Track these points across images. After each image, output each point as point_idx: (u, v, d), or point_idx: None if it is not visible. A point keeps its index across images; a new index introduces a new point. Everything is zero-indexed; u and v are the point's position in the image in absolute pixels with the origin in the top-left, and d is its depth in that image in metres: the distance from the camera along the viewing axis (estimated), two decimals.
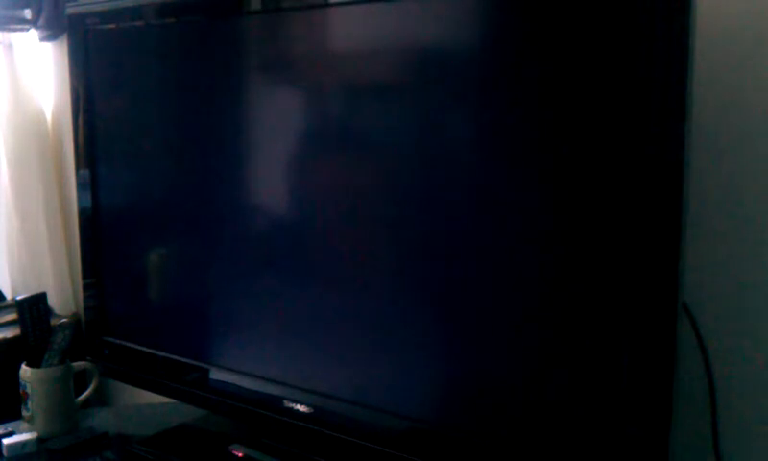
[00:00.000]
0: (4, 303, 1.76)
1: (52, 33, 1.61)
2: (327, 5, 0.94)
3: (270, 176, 1.05)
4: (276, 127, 1.01)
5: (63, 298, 1.75)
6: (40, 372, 1.22)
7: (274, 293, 1.05)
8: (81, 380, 1.29)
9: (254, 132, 1.05)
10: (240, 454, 1.11)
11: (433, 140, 0.88)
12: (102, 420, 1.31)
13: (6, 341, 1.56)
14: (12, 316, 1.59)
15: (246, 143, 1.06)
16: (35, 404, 1.23)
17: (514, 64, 0.81)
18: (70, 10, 1.24)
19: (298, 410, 1.02)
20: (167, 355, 1.18)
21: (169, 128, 1.16)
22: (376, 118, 0.93)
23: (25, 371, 1.23)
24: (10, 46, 1.66)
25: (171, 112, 1.16)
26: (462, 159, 0.86)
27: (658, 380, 0.73)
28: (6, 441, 1.17)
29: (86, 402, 1.31)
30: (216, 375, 1.12)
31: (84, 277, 1.30)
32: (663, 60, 0.70)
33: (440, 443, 0.90)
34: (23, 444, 1.18)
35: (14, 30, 1.64)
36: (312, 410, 1.01)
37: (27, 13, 1.61)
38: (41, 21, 1.59)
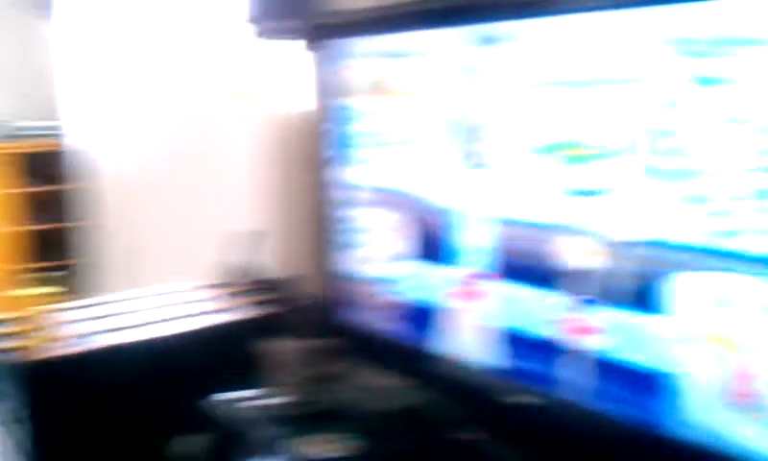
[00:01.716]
0: (262, 283, 1.93)
1: (313, 42, 1.74)
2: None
3: None
4: None
5: (312, 281, 1.89)
6: (288, 344, 1.36)
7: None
8: (323, 358, 1.40)
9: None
10: (473, 438, 1.14)
11: None
12: (340, 394, 1.39)
13: (260, 317, 1.71)
14: (267, 296, 1.74)
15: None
16: (282, 375, 1.36)
17: None
18: (322, 20, 1.36)
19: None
20: (401, 342, 1.26)
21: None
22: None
23: (275, 344, 1.37)
24: (278, 54, 1.83)
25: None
26: None
27: None
28: (254, 404, 1.32)
29: (326, 377, 1.42)
30: (448, 363, 1.19)
31: (330, 265, 1.41)
32: None
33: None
34: (274, 407, 1.31)
35: (282, 38, 1.79)
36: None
37: (294, 24, 1.75)
38: (305, 31, 1.73)
